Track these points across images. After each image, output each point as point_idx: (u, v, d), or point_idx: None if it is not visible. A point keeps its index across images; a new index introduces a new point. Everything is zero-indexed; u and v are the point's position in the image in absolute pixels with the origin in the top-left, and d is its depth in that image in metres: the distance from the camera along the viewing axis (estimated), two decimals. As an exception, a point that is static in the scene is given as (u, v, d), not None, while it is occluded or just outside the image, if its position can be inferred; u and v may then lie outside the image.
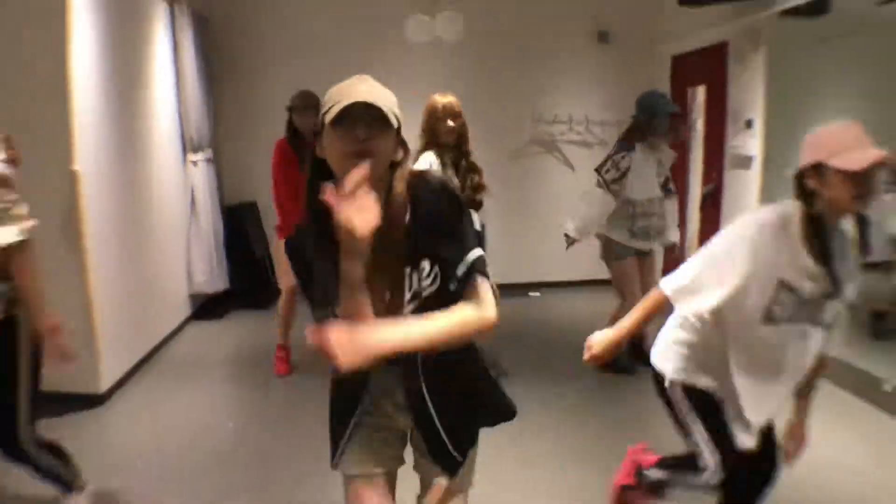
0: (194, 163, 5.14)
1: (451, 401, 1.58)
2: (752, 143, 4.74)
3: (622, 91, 5.99)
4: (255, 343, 4.85)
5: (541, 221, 6.19)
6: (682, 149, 5.51)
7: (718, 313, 1.97)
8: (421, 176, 1.51)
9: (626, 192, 3.95)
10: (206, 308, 5.45)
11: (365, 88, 1.38)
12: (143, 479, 2.93)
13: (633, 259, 4.07)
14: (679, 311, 2.06)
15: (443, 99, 3.53)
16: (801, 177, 1.87)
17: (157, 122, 4.74)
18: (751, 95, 4.75)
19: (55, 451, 2.52)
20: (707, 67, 5.28)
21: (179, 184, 5.13)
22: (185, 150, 5.13)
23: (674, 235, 4.18)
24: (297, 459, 3.10)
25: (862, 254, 1.96)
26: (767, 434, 2.09)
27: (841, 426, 3.41)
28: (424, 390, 1.55)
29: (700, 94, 5.58)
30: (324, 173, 1.41)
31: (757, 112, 4.67)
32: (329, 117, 1.35)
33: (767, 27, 4.56)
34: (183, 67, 4.98)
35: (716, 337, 2.01)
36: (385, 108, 1.36)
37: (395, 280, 1.45)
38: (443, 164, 3.60)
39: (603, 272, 4.37)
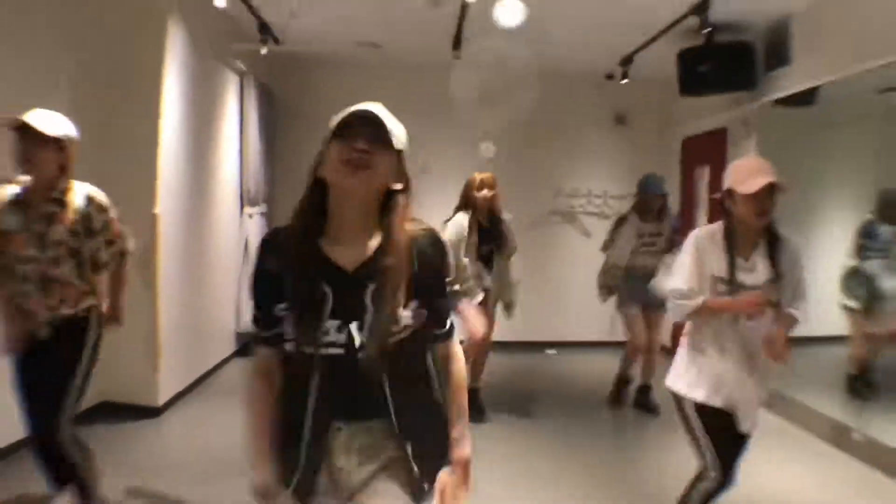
0: (250, 215, 5.83)
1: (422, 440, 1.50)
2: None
3: (638, 168, 6.51)
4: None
5: (559, 284, 6.70)
6: (689, 223, 6.05)
7: None
8: (424, 228, 1.51)
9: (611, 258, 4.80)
10: (250, 346, 6.02)
11: (372, 108, 1.41)
12: (192, 480, 3.34)
13: (637, 311, 4.70)
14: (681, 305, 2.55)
15: (481, 175, 4.38)
16: (722, 199, 2.48)
17: (222, 177, 5.46)
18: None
19: (86, 454, 2.66)
20: (710, 150, 5.83)
21: (235, 233, 5.80)
22: (242, 204, 5.83)
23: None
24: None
25: (773, 262, 2.48)
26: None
27: (811, 468, 3.81)
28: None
29: (706, 173, 6.11)
30: (321, 192, 1.45)
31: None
32: (332, 127, 1.41)
33: (757, 116, 5.13)
34: (247, 131, 5.74)
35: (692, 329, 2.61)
36: (387, 125, 1.40)
37: (361, 307, 1.41)
38: (471, 224, 4.27)
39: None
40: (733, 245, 2.46)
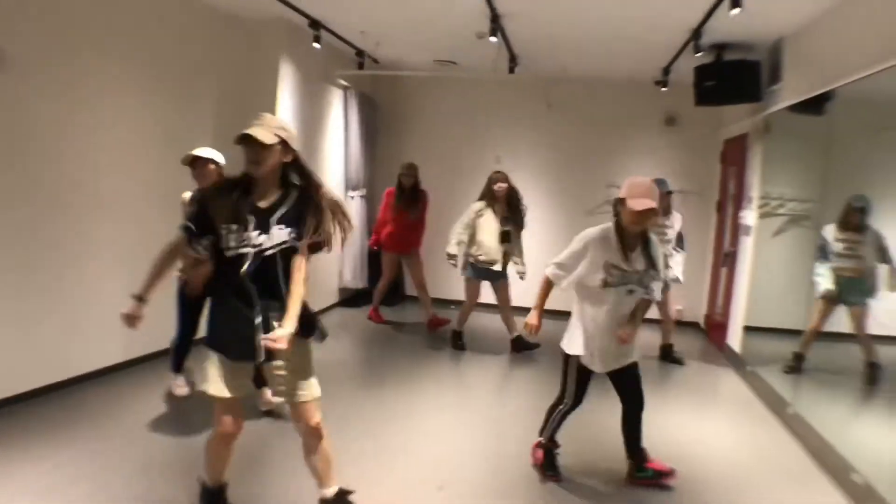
0: (352, 197, 7.50)
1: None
2: (750, 216, 5.90)
3: (685, 165, 7.40)
4: (381, 327, 7.03)
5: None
6: (721, 218, 6.75)
7: (579, 285, 3.34)
8: (316, 185, 2.56)
9: None
10: (350, 300, 7.76)
11: (253, 126, 2.44)
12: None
13: None
14: (557, 284, 3.40)
15: (496, 173, 5.73)
16: (615, 204, 3.28)
17: (327, 168, 7.15)
18: (754, 179, 5.93)
19: None
20: (738, 153, 6.47)
21: (341, 210, 7.48)
22: (346, 188, 7.50)
23: (675, 275, 5.76)
24: (388, 374, 5.12)
25: (651, 257, 3.29)
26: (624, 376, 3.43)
27: (746, 429, 4.64)
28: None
29: (733, 173, 6.73)
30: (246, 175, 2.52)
31: (755, 192, 5.84)
32: (235, 141, 2.44)
33: (761, 125, 5.76)
34: (350, 131, 7.37)
35: (582, 304, 3.41)
36: (261, 137, 2.39)
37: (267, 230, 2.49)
38: (492, 211, 5.64)
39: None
40: (624, 241, 3.24)
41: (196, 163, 4.04)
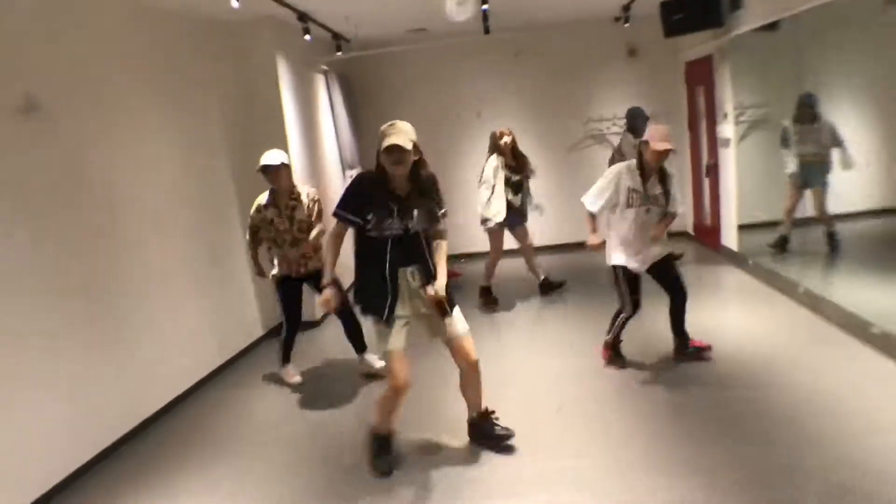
0: (350, 175, 7.75)
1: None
2: (728, 129, 6.57)
3: (651, 90, 7.97)
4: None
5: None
6: (696, 131, 7.41)
7: (609, 210, 4.20)
8: (427, 170, 3.13)
9: None
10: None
11: (395, 134, 2.95)
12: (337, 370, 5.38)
13: None
14: (589, 208, 4.21)
15: (500, 129, 6.03)
16: (639, 144, 4.09)
17: (326, 151, 7.38)
18: (725, 95, 6.56)
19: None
20: (704, 73, 7.08)
21: (340, 188, 7.74)
22: (343, 168, 7.76)
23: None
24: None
25: (666, 185, 4.13)
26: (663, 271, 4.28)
27: (765, 312, 5.39)
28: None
29: (702, 92, 7.36)
30: (381, 166, 3.04)
31: (728, 108, 6.49)
32: (382, 147, 2.97)
33: (728, 46, 6.35)
34: (337, 112, 7.58)
35: (614, 223, 4.22)
36: (402, 143, 2.92)
37: (410, 214, 3.10)
38: (503, 163, 5.96)
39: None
40: (644, 173, 4.10)
41: (268, 169, 4.31)
